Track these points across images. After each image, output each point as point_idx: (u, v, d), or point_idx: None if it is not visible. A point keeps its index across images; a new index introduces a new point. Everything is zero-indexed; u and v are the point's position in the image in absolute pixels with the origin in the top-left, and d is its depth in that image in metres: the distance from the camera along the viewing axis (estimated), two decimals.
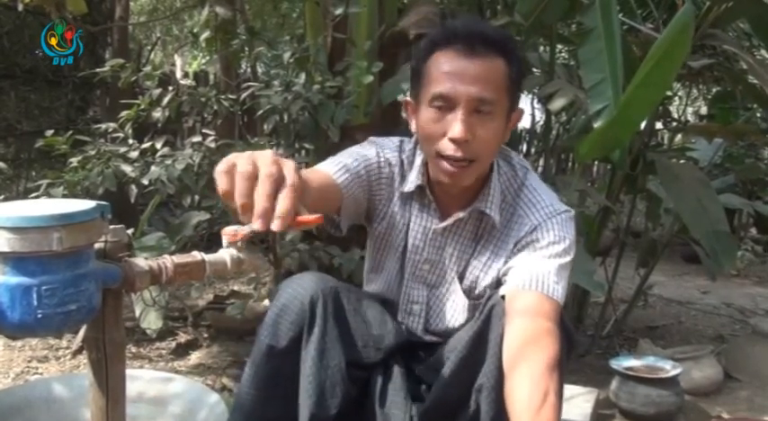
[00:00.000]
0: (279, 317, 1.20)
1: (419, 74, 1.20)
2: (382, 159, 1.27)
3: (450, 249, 1.29)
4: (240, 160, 0.78)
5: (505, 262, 1.25)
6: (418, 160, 1.27)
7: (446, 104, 1.14)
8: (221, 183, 0.77)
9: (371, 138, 1.33)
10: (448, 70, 1.14)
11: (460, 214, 1.25)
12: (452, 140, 1.13)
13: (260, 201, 0.75)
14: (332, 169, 1.20)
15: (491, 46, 1.14)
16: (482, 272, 1.28)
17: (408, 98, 1.28)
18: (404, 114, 1.31)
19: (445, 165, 1.16)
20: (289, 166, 0.78)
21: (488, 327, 1.17)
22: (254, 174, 0.76)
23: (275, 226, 0.74)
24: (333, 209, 1.20)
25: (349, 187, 1.20)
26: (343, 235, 1.30)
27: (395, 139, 1.32)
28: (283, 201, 0.75)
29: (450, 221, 1.27)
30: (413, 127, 1.26)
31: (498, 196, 1.25)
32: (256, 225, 0.74)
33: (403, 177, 1.29)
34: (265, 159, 0.78)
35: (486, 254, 1.27)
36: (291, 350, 1.19)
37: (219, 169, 0.78)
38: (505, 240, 1.25)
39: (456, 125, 1.12)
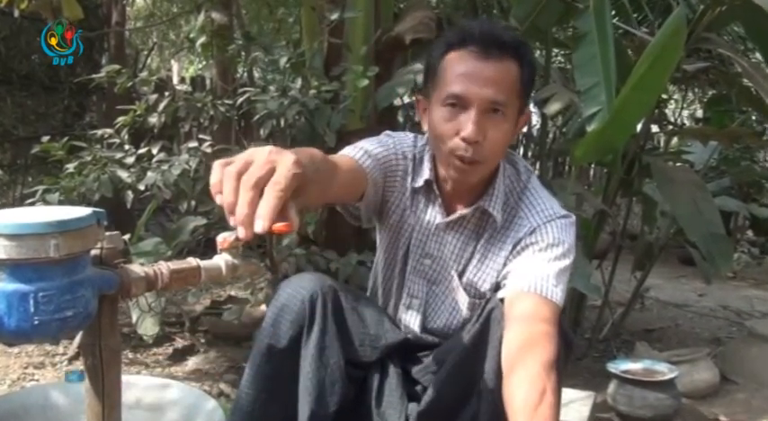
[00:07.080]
0: (279, 316, 1.21)
1: (433, 72, 1.23)
2: (399, 152, 1.29)
3: (452, 246, 1.30)
4: (238, 158, 0.76)
5: (504, 262, 1.26)
6: (427, 156, 1.29)
7: (459, 104, 1.17)
8: (213, 175, 0.76)
9: (387, 132, 1.33)
10: (462, 72, 1.17)
11: (464, 211, 1.27)
12: (464, 140, 1.16)
13: (239, 209, 0.73)
14: (356, 154, 1.20)
15: (505, 49, 1.17)
16: (481, 270, 1.28)
17: (420, 96, 1.30)
18: (417, 117, 1.33)
19: (456, 162, 1.19)
20: (284, 164, 0.75)
21: (487, 330, 1.17)
22: (242, 174, 0.74)
23: (258, 227, 0.72)
24: (358, 194, 1.20)
25: (372, 172, 1.21)
26: (363, 226, 1.32)
27: (410, 134, 1.34)
28: (263, 202, 0.73)
29: (453, 217, 1.28)
30: (424, 126, 1.28)
31: (502, 196, 1.27)
32: (240, 232, 0.73)
33: (415, 172, 1.30)
34: (259, 159, 0.75)
35: (487, 252, 1.28)
36: (291, 349, 1.20)
37: (218, 161, 0.77)
38: (505, 240, 1.26)
39: (468, 126, 1.15)
